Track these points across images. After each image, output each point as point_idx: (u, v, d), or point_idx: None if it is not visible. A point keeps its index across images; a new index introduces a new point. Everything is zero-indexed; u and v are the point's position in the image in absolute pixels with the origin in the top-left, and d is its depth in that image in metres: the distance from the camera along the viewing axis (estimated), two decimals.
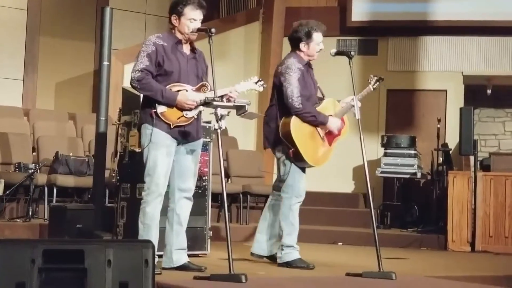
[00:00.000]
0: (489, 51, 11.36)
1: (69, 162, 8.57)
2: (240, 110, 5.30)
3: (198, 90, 5.25)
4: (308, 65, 6.11)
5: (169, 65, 5.22)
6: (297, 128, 5.85)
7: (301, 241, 6.14)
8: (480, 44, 11.39)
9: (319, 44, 6.06)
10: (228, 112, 5.04)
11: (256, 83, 5.37)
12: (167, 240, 5.43)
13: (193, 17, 5.27)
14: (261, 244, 6.20)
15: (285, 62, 6.01)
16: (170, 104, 5.16)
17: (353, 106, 5.90)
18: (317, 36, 6.04)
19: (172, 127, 5.19)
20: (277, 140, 5.94)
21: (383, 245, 5.97)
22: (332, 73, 10.03)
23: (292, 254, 5.96)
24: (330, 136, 6.06)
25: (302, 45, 6.01)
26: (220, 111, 4.94)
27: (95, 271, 3.54)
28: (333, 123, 5.98)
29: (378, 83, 6.20)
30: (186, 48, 5.36)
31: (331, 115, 6.04)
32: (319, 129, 5.98)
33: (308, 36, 6.01)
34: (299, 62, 5.99)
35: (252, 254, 6.21)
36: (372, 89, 6.22)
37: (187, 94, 5.19)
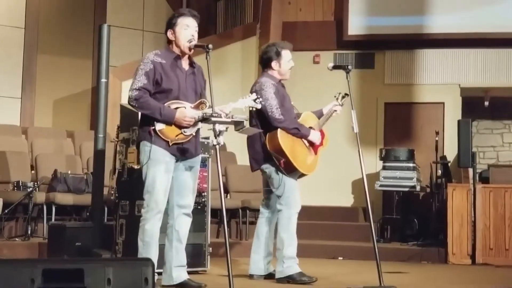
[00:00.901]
0: (485, 63, 11.38)
1: (68, 180, 8.56)
2: (238, 125, 5.30)
3: (196, 107, 5.25)
4: (280, 84, 6.23)
5: (167, 83, 5.22)
6: (285, 139, 5.94)
7: (300, 256, 6.12)
8: (476, 56, 11.41)
9: (289, 61, 6.24)
10: (226, 128, 5.05)
11: (254, 100, 5.36)
12: (166, 257, 5.40)
13: (186, 23, 5.31)
14: (258, 264, 6.19)
15: (259, 82, 6.16)
16: (169, 122, 5.17)
17: (335, 112, 6.23)
18: (285, 54, 6.22)
19: (170, 144, 5.19)
20: (265, 157, 6.02)
21: (384, 259, 5.95)
22: (329, 87, 10.04)
23: (293, 267, 5.95)
24: (314, 145, 6.18)
25: (273, 64, 6.19)
26: (218, 127, 4.95)
27: None
28: (315, 136, 6.12)
29: (344, 98, 6.33)
30: (185, 63, 5.37)
31: (311, 127, 6.17)
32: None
33: (278, 54, 6.19)
34: (272, 80, 6.13)
35: (250, 275, 6.19)
36: (340, 104, 6.32)
37: (185, 111, 5.19)
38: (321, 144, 6.22)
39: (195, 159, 5.37)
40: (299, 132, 6.02)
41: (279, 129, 5.93)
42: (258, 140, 6.05)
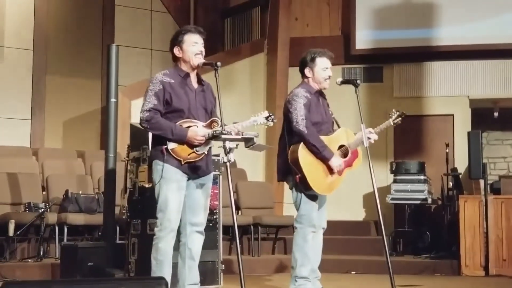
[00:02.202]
0: (494, 74, 11.36)
1: (79, 200, 8.57)
2: (249, 142, 5.30)
3: (208, 126, 5.25)
4: (319, 93, 6.09)
5: (177, 102, 5.23)
6: (306, 155, 5.79)
7: None
8: (485, 68, 11.40)
9: (324, 70, 6.02)
10: (237, 145, 5.05)
11: (266, 118, 5.30)
12: (179, 275, 5.39)
13: (194, 41, 5.31)
14: None
15: (293, 91, 6.04)
16: (181, 141, 5.17)
17: (368, 137, 5.92)
18: (320, 61, 6.03)
19: (183, 163, 5.19)
20: (288, 170, 5.89)
21: (397, 273, 5.93)
22: (339, 101, 10.03)
23: (306, 286, 5.89)
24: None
25: (306, 71, 6.03)
26: (228, 144, 4.95)
27: None
28: (335, 163, 5.88)
29: (399, 118, 6.16)
30: (193, 81, 5.37)
31: (343, 146, 5.97)
32: None
33: (312, 60, 6.02)
34: (307, 91, 5.97)
35: None
36: (392, 124, 6.18)
37: (197, 130, 5.19)
38: (350, 165, 6.00)
39: (207, 177, 5.36)
40: (318, 153, 5.79)
41: (301, 144, 5.78)
42: (285, 149, 5.91)
